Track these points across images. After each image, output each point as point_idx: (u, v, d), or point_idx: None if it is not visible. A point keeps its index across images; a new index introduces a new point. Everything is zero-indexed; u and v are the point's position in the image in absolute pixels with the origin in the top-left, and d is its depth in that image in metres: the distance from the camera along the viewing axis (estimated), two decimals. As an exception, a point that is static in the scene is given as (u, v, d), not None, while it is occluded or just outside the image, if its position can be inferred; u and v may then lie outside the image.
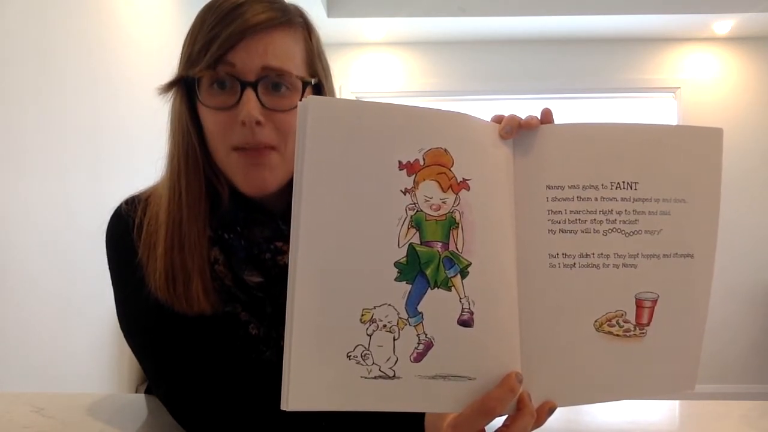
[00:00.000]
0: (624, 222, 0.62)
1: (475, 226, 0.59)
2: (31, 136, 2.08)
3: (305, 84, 0.80)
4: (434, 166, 0.58)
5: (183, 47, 0.83)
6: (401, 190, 0.57)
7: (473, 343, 0.59)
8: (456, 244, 0.58)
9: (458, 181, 0.59)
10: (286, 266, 0.82)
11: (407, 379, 0.58)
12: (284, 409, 0.55)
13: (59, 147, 2.24)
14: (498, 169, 0.61)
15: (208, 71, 0.77)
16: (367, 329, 0.56)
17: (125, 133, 2.74)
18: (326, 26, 3.97)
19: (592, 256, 0.62)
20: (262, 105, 0.77)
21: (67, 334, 2.29)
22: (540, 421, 0.64)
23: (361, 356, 0.56)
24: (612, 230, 0.62)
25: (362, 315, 0.56)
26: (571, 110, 4.69)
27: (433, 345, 0.58)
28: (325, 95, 0.84)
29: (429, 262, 0.57)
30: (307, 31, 0.84)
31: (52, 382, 2.14)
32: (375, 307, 0.56)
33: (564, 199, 0.61)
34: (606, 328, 0.63)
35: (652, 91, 4.64)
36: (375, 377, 0.57)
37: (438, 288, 0.58)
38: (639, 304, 0.64)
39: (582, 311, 0.63)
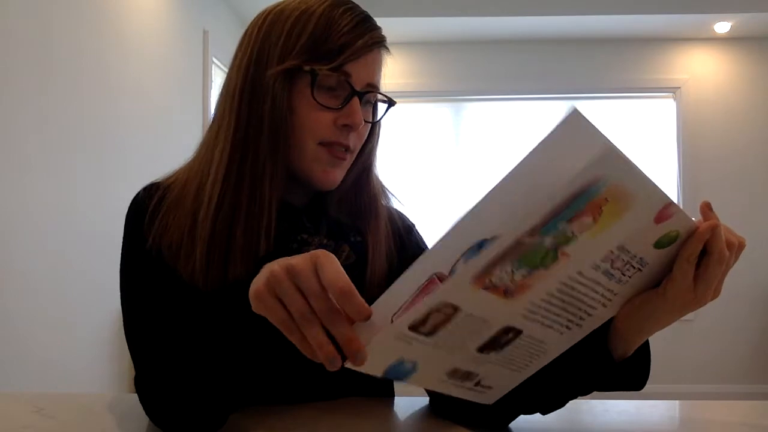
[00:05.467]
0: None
1: None
2: (32, 137, 2.08)
3: (390, 104, 0.88)
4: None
5: (302, 31, 0.81)
6: None
7: None
8: None
9: None
10: None
11: None
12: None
13: (60, 148, 2.24)
14: None
15: (334, 73, 0.80)
16: None
17: (126, 133, 2.74)
18: (326, 26, 3.96)
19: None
20: None
21: (67, 334, 2.29)
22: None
23: None
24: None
25: None
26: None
27: None
28: (379, 119, 0.91)
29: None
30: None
31: (52, 382, 2.15)
32: None
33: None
34: None
35: (652, 91, 4.65)
36: None
37: None
38: None
39: None
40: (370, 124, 0.88)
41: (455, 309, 0.56)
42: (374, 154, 0.92)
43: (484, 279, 0.55)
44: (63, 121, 2.26)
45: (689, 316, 0.69)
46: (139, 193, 0.87)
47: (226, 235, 0.78)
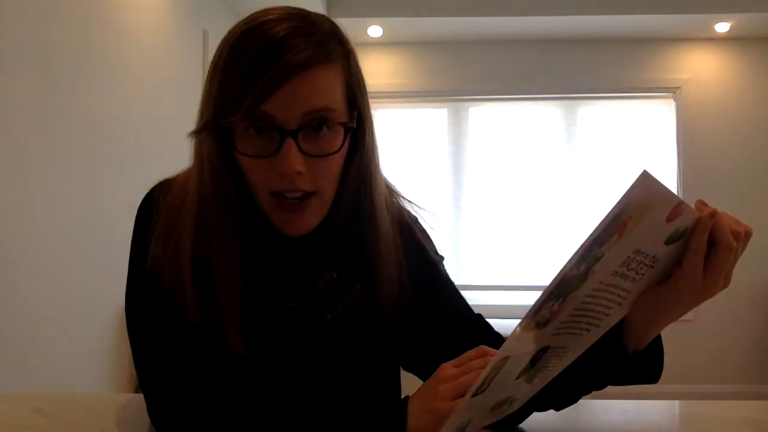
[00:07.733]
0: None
1: None
2: (32, 137, 2.08)
3: (347, 129, 0.75)
4: None
5: (210, 85, 0.75)
6: None
7: None
8: None
9: None
10: (318, 292, 0.81)
11: None
12: None
13: (60, 148, 2.24)
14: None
15: (244, 121, 0.71)
16: None
17: (126, 133, 2.74)
18: (326, 26, 3.96)
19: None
20: (303, 152, 0.72)
21: (67, 333, 2.29)
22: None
23: None
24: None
25: None
26: (571, 111, 4.69)
27: None
28: (366, 123, 0.80)
29: None
30: (347, 59, 0.77)
31: (52, 382, 2.14)
32: None
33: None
34: None
35: (651, 91, 4.64)
36: None
37: None
38: None
39: None
40: (329, 156, 0.74)
41: (506, 359, 0.61)
42: (369, 179, 0.81)
43: (532, 322, 0.60)
44: (63, 121, 2.26)
45: (689, 315, 0.70)
46: (154, 188, 0.83)
47: (206, 279, 0.76)
